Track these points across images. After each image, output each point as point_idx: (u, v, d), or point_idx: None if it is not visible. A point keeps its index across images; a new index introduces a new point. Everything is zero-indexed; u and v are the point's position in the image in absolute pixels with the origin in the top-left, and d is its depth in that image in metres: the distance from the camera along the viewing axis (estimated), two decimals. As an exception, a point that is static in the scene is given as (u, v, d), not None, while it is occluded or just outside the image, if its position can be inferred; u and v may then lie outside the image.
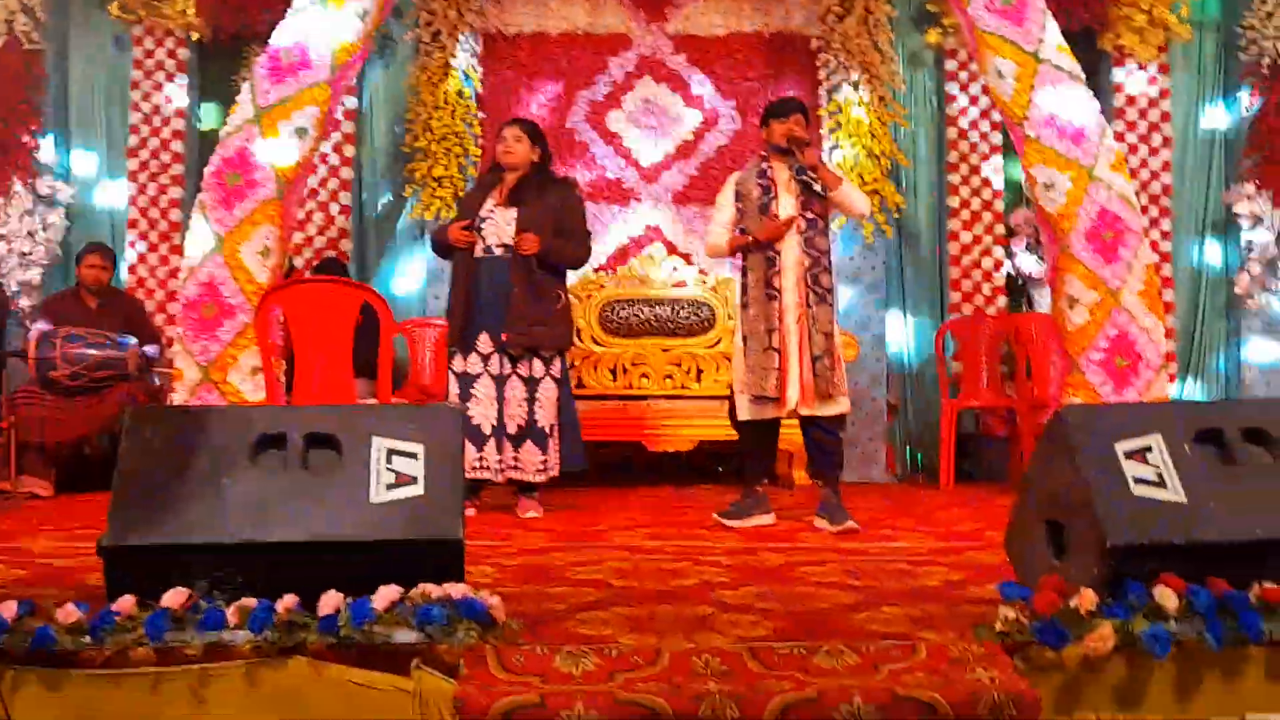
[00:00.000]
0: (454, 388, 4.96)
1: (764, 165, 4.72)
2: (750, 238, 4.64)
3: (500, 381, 4.92)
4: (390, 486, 2.65)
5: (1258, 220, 6.88)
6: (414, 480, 2.67)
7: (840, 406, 4.61)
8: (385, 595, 2.41)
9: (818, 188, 4.61)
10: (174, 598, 2.38)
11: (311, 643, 2.31)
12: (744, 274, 4.74)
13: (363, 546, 2.54)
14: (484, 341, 4.92)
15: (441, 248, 5.05)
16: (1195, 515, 2.61)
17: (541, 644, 2.41)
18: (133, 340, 6.02)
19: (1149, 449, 2.76)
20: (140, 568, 2.47)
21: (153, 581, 2.42)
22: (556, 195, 5.04)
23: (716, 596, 3.07)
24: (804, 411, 4.60)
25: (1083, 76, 5.19)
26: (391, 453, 2.72)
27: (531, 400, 4.94)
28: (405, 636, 2.33)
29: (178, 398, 5.09)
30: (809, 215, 4.62)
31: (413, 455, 2.72)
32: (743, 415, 4.71)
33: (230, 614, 2.37)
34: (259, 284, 5.03)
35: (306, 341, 4.57)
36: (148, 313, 6.70)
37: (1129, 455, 2.74)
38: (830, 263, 4.66)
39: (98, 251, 6.38)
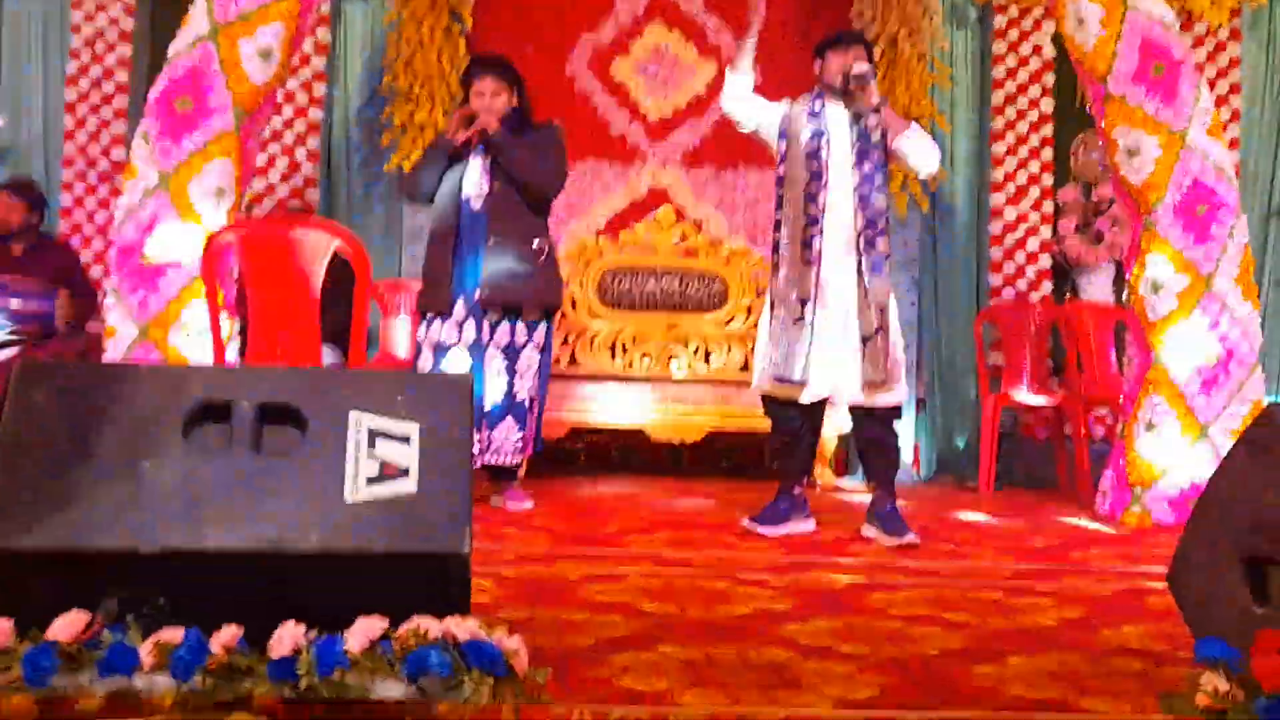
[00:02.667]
0: (426, 360, 4.33)
1: (816, 104, 4.00)
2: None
3: (475, 350, 4.30)
4: (372, 480, 1.97)
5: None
6: (405, 473, 1.97)
7: (896, 396, 3.89)
8: (363, 631, 1.73)
9: (877, 136, 3.89)
10: (67, 626, 1.70)
11: (259, 695, 1.65)
12: (776, 228, 4.01)
13: (334, 560, 1.87)
14: (459, 307, 4.33)
15: (428, 172, 4.40)
16: None
17: (577, 704, 1.78)
18: (61, 292, 5.24)
19: (1395, 462, 2.08)
20: (22, 583, 1.80)
21: (41, 602, 1.75)
22: (534, 134, 4.41)
23: (784, 633, 2.39)
24: (851, 402, 3.89)
25: (1175, 25, 4.51)
26: (375, 434, 2.01)
27: (511, 372, 4.30)
28: (390, 691, 1.67)
29: (110, 359, 4.34)
30: (866, 168, 3.90)
31: (404, 439, 2.02)
32: (761, 387, 4.01)
33: (145, 651, 1.68)
34: (210, 229, 4.28)
35: (266, 294, 3.82)
36: (82, 264, 5.88)
37: (1370, 470, 2.07)
38: (888, 225, 3.93)
39: (7, 189, 5.54)
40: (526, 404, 4.34)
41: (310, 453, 1.95)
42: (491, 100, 4.32)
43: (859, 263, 3.86)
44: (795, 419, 4.01)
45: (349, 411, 2.00)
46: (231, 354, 4.31)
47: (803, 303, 3.86)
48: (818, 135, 3.92)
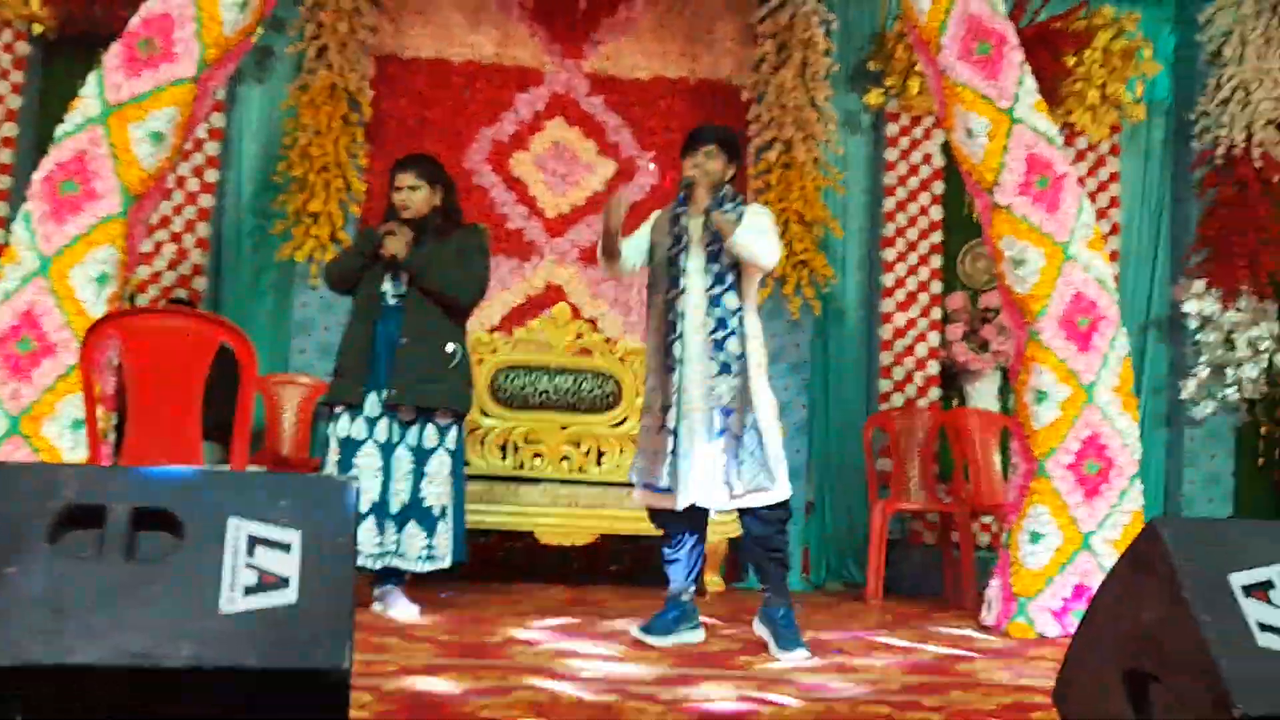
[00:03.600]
0: (333, 455, 4.25)
1: (678, 210, 3.98)
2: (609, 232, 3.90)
3: (386, 450, 4.24)
4: (250, 590, 1.87)
5: (1206, 321, 6.42)
6: (284, 583, 1.89)
7: (773, 495, 3.80)
8: (232, 756, 1.62)
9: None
10: (-92, 749, 1.57)
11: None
12: (646, 335, 4.03)
13: (206, 676, 1.74)
14: (371, 403, 4.27)
15: (351, 270, 4.38)
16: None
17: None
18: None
19: (1272, 584, 2.11)
20: None
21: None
22: (458, 238, 4.41)
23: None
24: (727, 505, 3.85)
25: (1060, 141, 4.66)
26: (255, 541, 1.92)
27: (419, 475, 4.24)
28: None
29: (-25, 453, 4.14)
30: (715, 269, 3.85)
31: (285, 546, 1.93)
32: (636, 497, 4.01)
33: (-4, 777, 1.56)
34: (91, 318, 4.13)
35: (145, 388, 3.69)
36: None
37: (1249, 591, 2.09)
38: (742, 325, 3.84)
39: None
40: (436, 511, 4.27)
41: (185, 561, 1.85)
42: (410, 194, 4.33)
43: (707, 366, 3.82)
44: (677, 526, 3.97)
45: (228, 517, 1.92)
46: (107, 449, 4.15)
47: (665, 409, 3.83)
48: (677, 241, 3.91)
